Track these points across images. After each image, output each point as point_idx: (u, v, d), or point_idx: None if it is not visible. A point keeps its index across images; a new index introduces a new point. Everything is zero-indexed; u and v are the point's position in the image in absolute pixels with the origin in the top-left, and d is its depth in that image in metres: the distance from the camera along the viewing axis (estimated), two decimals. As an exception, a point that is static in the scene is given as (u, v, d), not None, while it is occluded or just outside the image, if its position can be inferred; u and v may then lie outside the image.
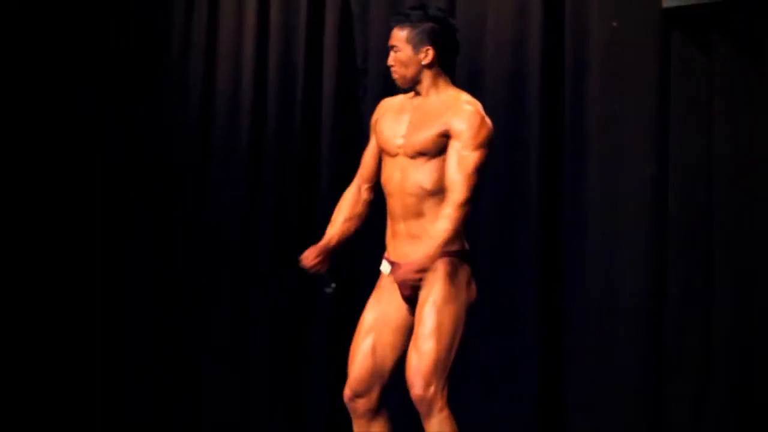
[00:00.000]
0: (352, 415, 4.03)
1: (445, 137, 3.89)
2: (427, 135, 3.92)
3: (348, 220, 4.19)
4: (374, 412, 3.99)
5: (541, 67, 5.11)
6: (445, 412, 3.81)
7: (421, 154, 3.93)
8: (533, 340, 5.10)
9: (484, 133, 3.89)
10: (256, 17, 6.02)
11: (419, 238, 3.91)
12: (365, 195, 4.20)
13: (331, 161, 5.74)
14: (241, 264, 6.05)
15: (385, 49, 4.14)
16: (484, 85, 5.23)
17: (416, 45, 3.96)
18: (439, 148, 3.90)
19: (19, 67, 6.18)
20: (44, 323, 6.22)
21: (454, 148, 3.86)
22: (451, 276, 3.88)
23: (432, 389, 3.79)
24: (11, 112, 6.17)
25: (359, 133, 5.57)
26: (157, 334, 6.35)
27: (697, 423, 4.72)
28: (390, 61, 4.03)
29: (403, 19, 4.01)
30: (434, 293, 3.86)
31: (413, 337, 3.86)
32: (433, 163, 3.91)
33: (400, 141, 3.99)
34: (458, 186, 3.81)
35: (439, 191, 3.90)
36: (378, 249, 5.03)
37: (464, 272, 3.93)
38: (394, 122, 4.05)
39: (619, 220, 4.95)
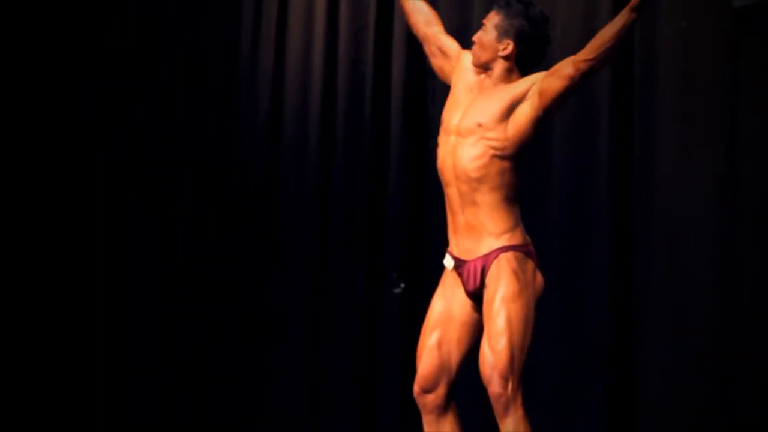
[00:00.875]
0: (421, 411, 4.02)
1: (514, 105, 3.87)
2: (489, 107, 3.90)
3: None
4: (443, 408, 3.98)
5: (611, 66, 5.08)
6: (521, 412, 3.79)
7: (473, 131, 3.90)
8: (603, 337, 5.11)
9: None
10: (326, 17, 6.05)
11: (478, 230, 3.90)
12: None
13: (399, 163, 5.77)
14: (312, 266, 6.07)
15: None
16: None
17: (501, 34, 3.95)
18: (498, 120, 3.87)
19: (19, 67, 6.18)
20: (44, 323, 6.22)
21: (539, 81, 3.87)
22: (517, 271, 3.86)
23: (510, 386, 3.77)
24: (11, 112, 6.17)
25: (427, 135, 5.60)
26: (159, 335, 6.39)
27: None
28: (475, 36, 4.01)
29: (503, 5, 3.99)
30: (501, 289, 3.84)
31: (485, 335, 3.84)
32: (484, 145, 3.88)
33: (457, 118, 3.98)
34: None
35: (487, 179, 3.88)
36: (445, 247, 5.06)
37: (529, 266, 3.91)
38: (462, 92, 4.04)
39: (688, 219, 4.93)
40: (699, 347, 4.88)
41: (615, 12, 4.95)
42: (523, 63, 3.99)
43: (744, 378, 4.77)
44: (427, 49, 4.24)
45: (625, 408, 5.08)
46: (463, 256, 3.97)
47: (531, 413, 3.81)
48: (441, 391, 3.97)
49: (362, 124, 5.93)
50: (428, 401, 3.99)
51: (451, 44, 4.19)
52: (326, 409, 5.98)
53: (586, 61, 3.79)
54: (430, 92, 5.68)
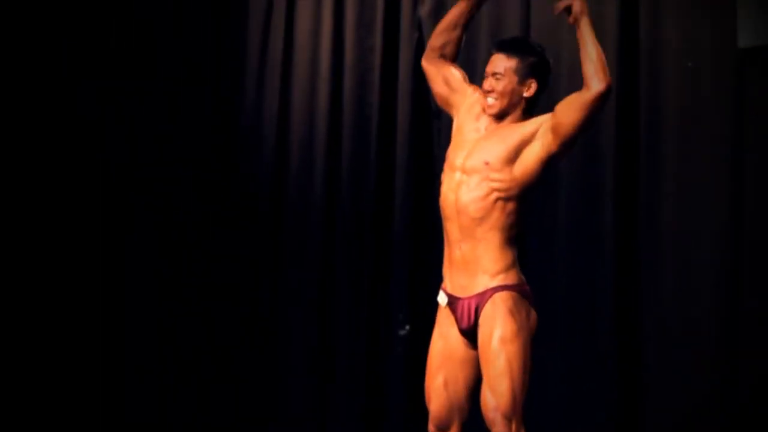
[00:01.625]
0: None
1: (522, 146, 3.87)
2: (498, 147, 3.89)
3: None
4: None
5: (616, 106, 5.10)
6: None
7: (479, 170, 3.89)
8: (611, 366, 5.12)
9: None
10: (331, 59, 6.07)
11: (474, 267, 3.90)
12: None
13: (404, 205, 5.77)
14: (318, 302, 6.06)
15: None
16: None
17: (522, 77, 3.94)
18: (505, 161, 3.87)
19: (19, 67, 6.14)
20: (44, 323, 6.17)
21: (549, 119, 3.86)
22: (513, 311, 3.85)
23: (514, 427, 3.78)
24: (11, 112, 6.12)
25: (432, 177, 5.60)
26: (159, 335, 6.36)
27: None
28: (488, 86, 3.97)
29: (511, 47, 3.99)
30: (498, 330, 3.84)
31: (485, 378, 3.84)
32: (488, 186, 3.88)
33: (463, 156, 3.97)
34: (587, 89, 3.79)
35: (489, 219, 3.87)
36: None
37: (524, 306, 3.90)
38: (470, 129, 4.03)
39: (693, 258, 4.94)
40: (706, 367, 4.89)
41: (621, 47, 5.01)
42: (533, 106, 4.00)
43: (751, 386, 4.77)
44: (431, 84, 4.23)
45: (632, 423, 5.08)
46: (456, 293, 3.96)
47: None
48: (455, 429, 3.98)
49: (368, 166, 5.93)
50: None
51: (456, 76, 4.17)
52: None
53: (600, 82, 3.77)
54: (435, 134, 5.69)
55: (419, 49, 5.76)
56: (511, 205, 3.89)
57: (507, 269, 3.90)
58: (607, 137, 5.13)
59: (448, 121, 5.21)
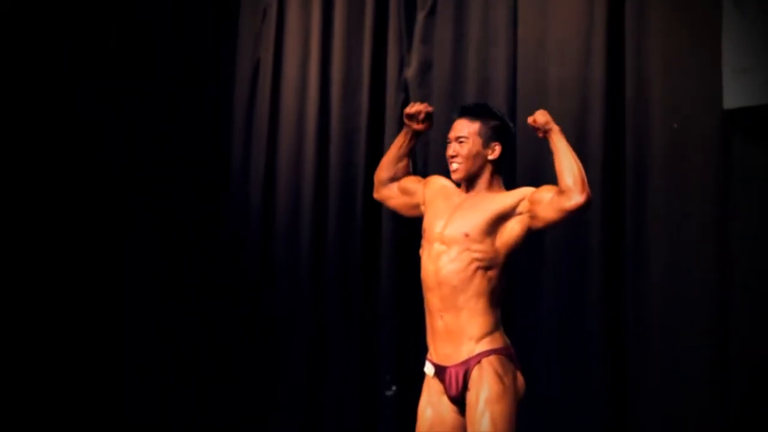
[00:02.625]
0: None
1: (501, 218, 3.90)
2: (476, 218, 3.92)
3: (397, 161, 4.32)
4: None
5: (602, 168, 5.10)
6: None
7: (458, 241, 3.91)
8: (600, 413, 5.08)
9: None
10: (318, 118, 6.09)
11: (458, 335, 3.90)
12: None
13: (390, 268, 5.79)
14: (307, 368, 6.06)
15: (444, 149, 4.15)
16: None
17: (486, 140, 4.00)
18: (484, 232, 3.89)
19: (19, 66, 6.14)
20: (44, 322, 6.17)
21: (526, 201, 3.89)
22: (500, 373, 3.86)
23: None
24: (10, 111, 6.12)
25: (419, 237, 5.60)
26: (159, 335, 6.40)
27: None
28: (452, 152, 4.02)
29: (474, 111, 4.05)
30: (484, 392, 3.84)
31: None
32: (469, 257, 3.90)
33: (440, 226, 4.00)
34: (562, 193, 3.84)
35: (470, 288, 3.88)
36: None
37: (511, 369, 3.90)
38: (443, 205, 4.07)
39: (682, 322, 4.91)
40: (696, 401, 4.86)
41: (606, 107, 5.03)
42: (501, 164, 4.04)
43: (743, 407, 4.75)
44: (391, 203, 4.33)
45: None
46: (443, 362, 3.96)
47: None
48: None
49: (354, 227, 5.93)
50: None
51: (411, 180, 4.26)
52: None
53: (579, 195, 3.82)
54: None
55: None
56: (492, 272, 3.92)
57: (492, 332, 3.91)
58: (593, 199, 5.12)
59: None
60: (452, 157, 4.02)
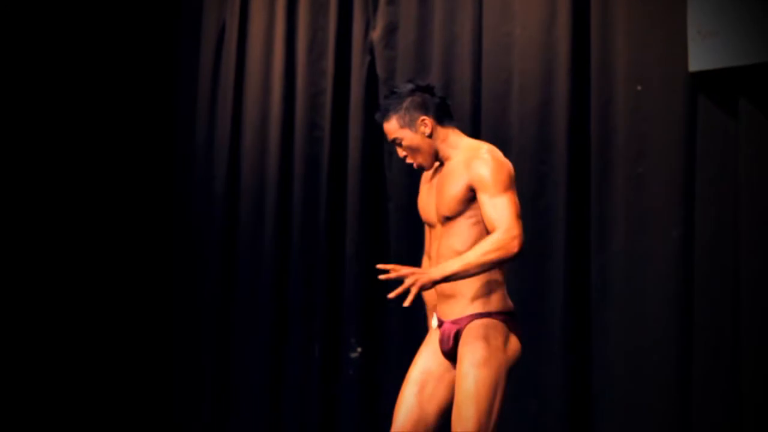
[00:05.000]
0: None
1: (472, 191, 3.85)
2: (451, 195, 3.90)
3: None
4: None
5: (567, 132, 5.11)
6: None
7: (449, 218, 3.91)
8: (561, 408, 5.09)
9: (504, 175, 3.83)
10: (283, 81, 6.06)
11: (454, 294, 3.89)
12: None
13: (356, 227, 5.76)
14: (270, 329, 6.04)
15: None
16: (509, 152, 5.21)
17: (411, 124, 3.95)
18: (465, 205, 3.87)
19: (19, 66, 6.06)
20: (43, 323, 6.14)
21: (484, 199, 3.81)
22: (487, 337, 3.83)
23: None
24: (11, 112, 6.04)
25: (384, 198, 5.61)
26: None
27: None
28: (401, 154, 4.02)
29: (384, 112, 3.99)
30: (470, 356, 3.81)
31: (455, 402, 3.81)
32: (462, 224, 3.89)
33: (432, 210, 4.00)
34: (500, 222, 3.73)
35: (468, 244, 3.85)
36: (401, 314, 5.03)
37: (501, 333, 3.86)
38: (427, 194, 4.06)
39: (645, 283, 4.92)
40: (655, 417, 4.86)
41: (571, 72, 5.02)
42: (445, 120, 3.98)
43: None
44: None
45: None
46: (441, 317, 3.97)
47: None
48: None
49: (319, 188, 5.91)
50: None
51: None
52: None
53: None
54: (386, 156, 5.69)
55: (371, 73, 5.76)
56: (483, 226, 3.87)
57: (487, 294, 3.88)
58: (558, 162, 5.13)
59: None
60: (404, 158, 4.03)
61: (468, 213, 3.88)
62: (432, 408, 3.93)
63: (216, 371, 6.21)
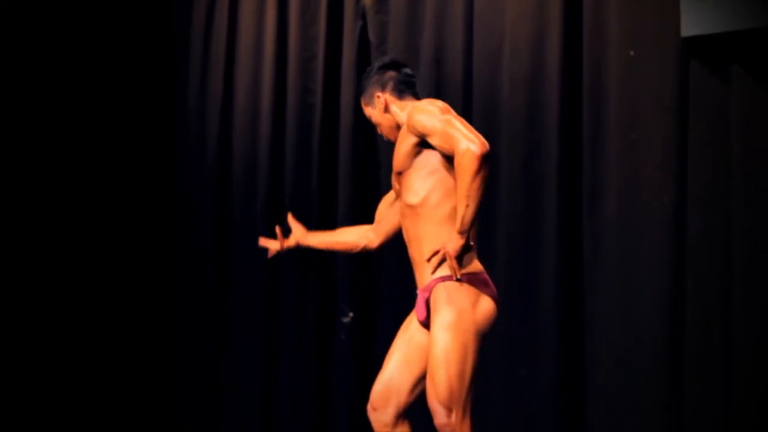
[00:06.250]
0: (373, 429, 4.01)
1: (417, 146, 3.90)
2: (399, 153, 3.98)
3: (341, 242, 4.46)
4: (392, 427, 3.97)
5: (558, 97, 5.10)
6: None
7: (399, 173, 3.98)
8: (553, 375, 5.09)
9: (434, 108, 3.89)
10: (275, 47, 6.05)
11: (421, 264, 3.91)
12: (367, 240, 4.40)
13: (348, 192, 5.76)
14: (263, 295, 6.06)
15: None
16: (501, 116, 5.23)
17: (371, 102, 4.17)
18: (411, 158, 3.92)
19: (18, 66, 6.02)
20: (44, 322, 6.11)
21: (434, 141, 3.86)
22: (453, 300, 3.81)
23: (454, 416, 3.71)
24: (11, 112, 6.00)
25: (376, 164, 5.60)
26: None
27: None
28: (378, 131, 4.23)
29: (362, 98, 4.22)
30: (437, 320, 3.80)
31: (427, 368, 3.80)
32: (412, 177, 3.92)
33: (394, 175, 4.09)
34: (454, 146, 3.74)
35: (426, 205, 3.89)
36: (393, 279, 5.03)
37: (467, 295, 3.84)
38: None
39: (638, 248, 4.93)
40: (650, 385, 4.88)
41: (563, 38, 5.01)
42: (404, 91, 4.13)
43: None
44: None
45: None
46: (418, 287, 3.98)
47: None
48: (390, 410, 3.96)
49: (311, 154, 5.90)
50: (376, 419, 3.99)
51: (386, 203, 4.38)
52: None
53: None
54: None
55: (362, 38, 5.75)
56: (440, 192, 3.89)
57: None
58: (550, 127, 5.12)
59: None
60: (381, 134, 4.24)
61: (416, 166, 3.92)
62: (406, 375, 3.96)
63: (213, 337, 6.25)
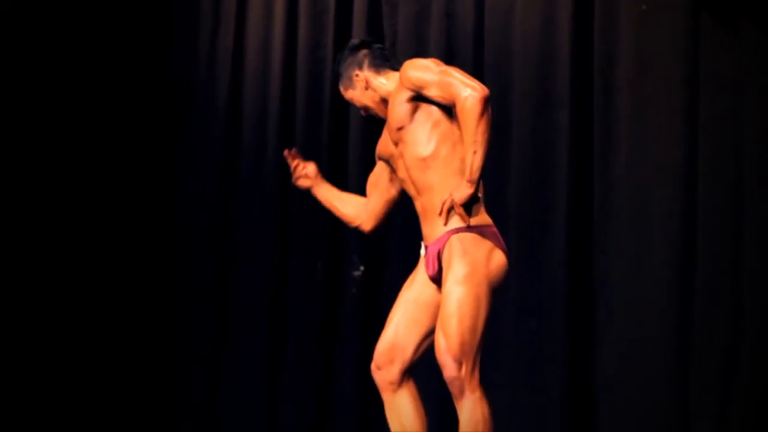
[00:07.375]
0: (378, 388, 3.99)
1: (413, 100, 3.89)
2: (397, 113, 3.93)
3: (340, 211, 4.38)
4: (396, 385, 3.94)
5: (570, 51, 5.10)
6: (478, 393, 3.72)
7: (401, 128, 3.93)
8: (563, 333, 5.11)
9: (427, 61, 3.93)
10: (286, 1, 6.03)
11: (433, 214, 3.88)
12: (360, 219, 4.35)
13: (358, 148, 5.76)
14: (273, 247, 6.06)
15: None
16: (513, 71, 5.23)
17: (351, 83, 4.12)
18: (412, 114, 3.90)
19: (18, 66, 5.99)
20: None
21: (431, 93, 3.85)
22: (468, 252, 3.80)
23: (464, 369, 3.70)
24: (11, 112, 5.97)
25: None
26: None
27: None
28: (362, 112, 4.20)
29: (338, 82, 4.19)
30: (451, 273, 3.78)
31: (438, 321, 3.78)
32: (417, 130, 3.90)
33: (387, 140, 4.06)
34: (454, 95, 3.76)
35: (437, 157, 3.87)
36: (404, 232, 5.04)
37: (483, 247, 3.83)
38: (383, 136, 4.15)
39: (648, 205, 4.94)
40: (659, 338, 4.89)
41: (575, 22, 5.00)
42: (380, 65, 4.11)
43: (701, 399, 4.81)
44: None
45: (585, 394, 5.11)
46: (426, 242, 3.96)
47: (489, 391, 3.76)
48: (394, 368, 3.94)
49: (322, 109, 5.90)
50: (381, 378, 3.97)
51: (374, 174, 4.31)
52: (285, 390, 5.97)
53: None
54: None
55: (372, 8, 5.72)
56: (448, 144, 3.89)
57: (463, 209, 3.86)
58: (562, 83, 5.12)
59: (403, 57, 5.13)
60: (367, 113, 4.19)
61: (417, 119, 3.90)
62: (411, 333, 3.94)
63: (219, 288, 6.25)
